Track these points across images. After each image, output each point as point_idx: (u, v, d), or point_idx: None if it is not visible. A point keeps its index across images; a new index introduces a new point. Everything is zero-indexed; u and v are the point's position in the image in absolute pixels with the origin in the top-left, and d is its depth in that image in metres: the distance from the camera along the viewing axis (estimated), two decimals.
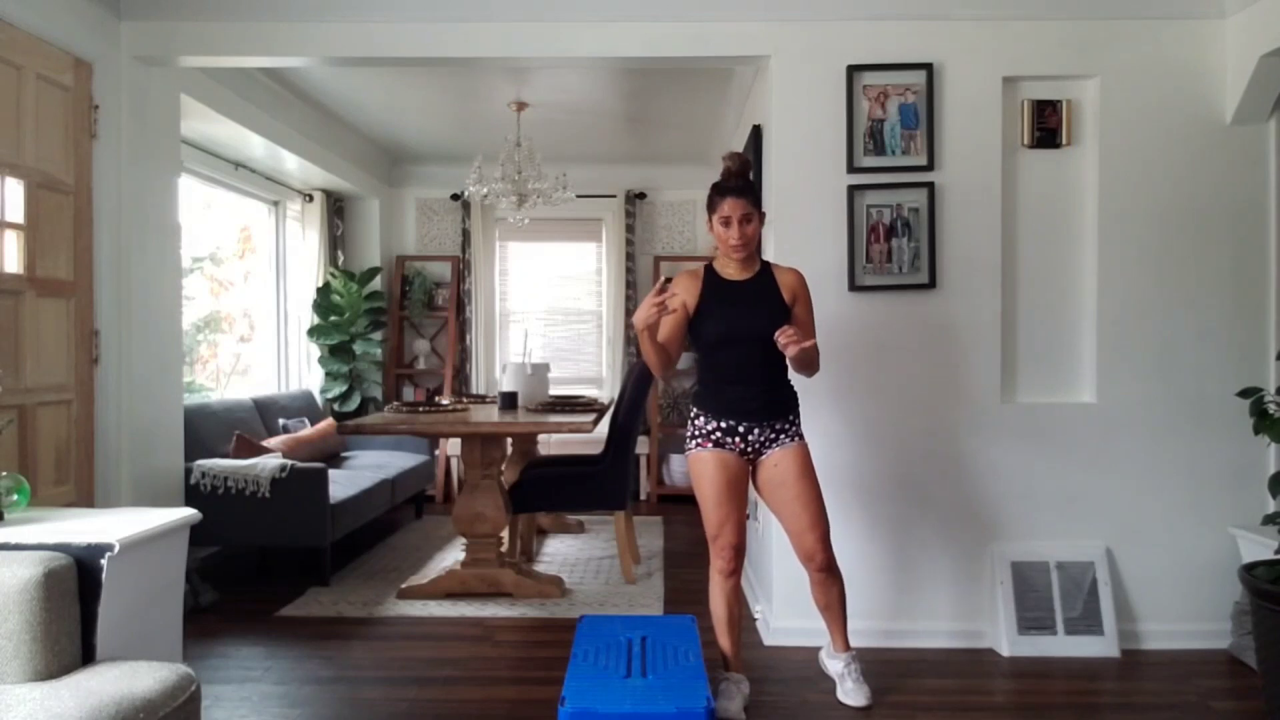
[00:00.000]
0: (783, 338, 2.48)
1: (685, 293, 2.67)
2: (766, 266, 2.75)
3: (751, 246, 2.67)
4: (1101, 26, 3.30)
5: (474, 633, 3.48)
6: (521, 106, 5.04)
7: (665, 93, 4.88)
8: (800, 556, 2.73)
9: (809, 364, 2.66)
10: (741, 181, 2.67)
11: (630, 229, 6.59)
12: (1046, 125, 3.34)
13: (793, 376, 2.75)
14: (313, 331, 5.92)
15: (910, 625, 3.32)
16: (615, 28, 3.36)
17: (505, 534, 4.18)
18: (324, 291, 5.95)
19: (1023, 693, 2.90)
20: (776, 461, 2.69)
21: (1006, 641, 3.21)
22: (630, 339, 6.55)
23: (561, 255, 6.86)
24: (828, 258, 3.30)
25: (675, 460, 6.34)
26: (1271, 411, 2.81)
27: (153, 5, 3.37)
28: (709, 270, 2.75)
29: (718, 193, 2.66)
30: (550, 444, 5.81)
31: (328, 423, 5.29)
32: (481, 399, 5.13)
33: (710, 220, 2.70)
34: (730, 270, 2.72)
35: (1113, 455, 3.32)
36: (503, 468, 4.18)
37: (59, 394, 3.05)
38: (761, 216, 2.69)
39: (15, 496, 2.18)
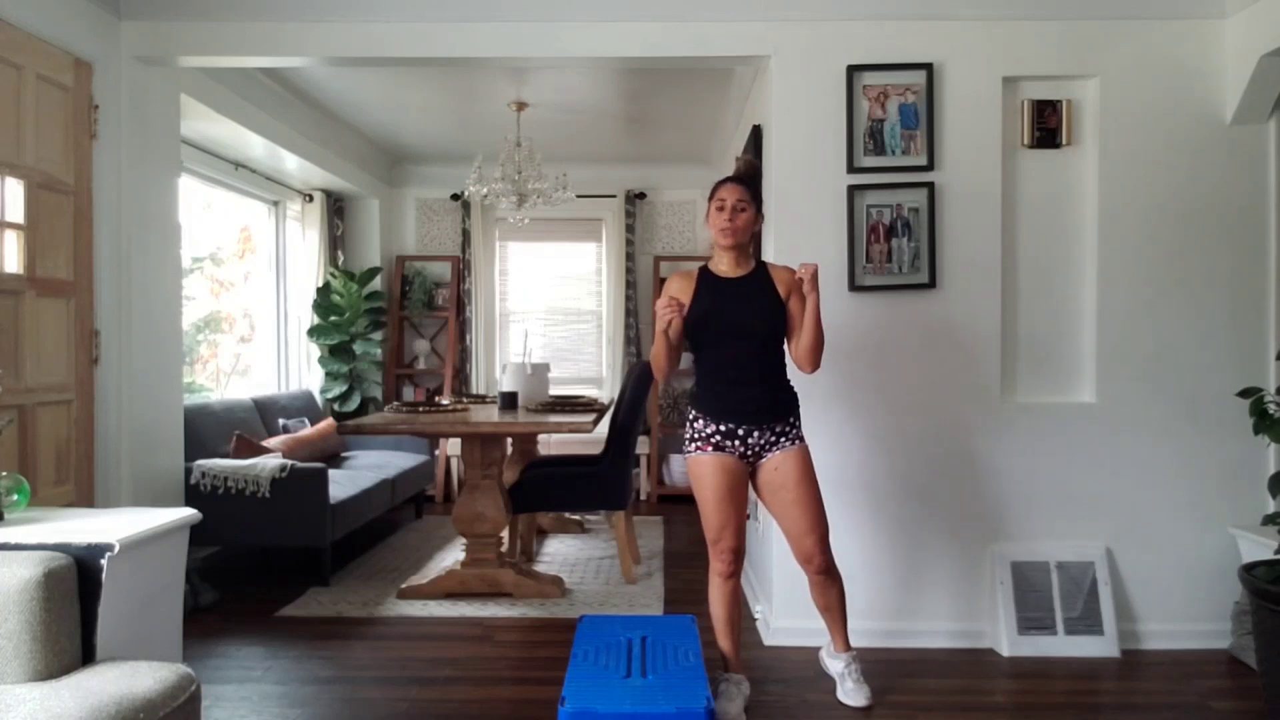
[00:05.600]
0: (804, 271, 2.55)
1: (680, 293, 2.66)
2: (762, 265, 2.75)
3: (741, 237, 2.67)
4: (1101, 26, 3.30)
5: (474, 633, 3.48)
6: (521, 106, 5.04)
7: (665, 93, 4.88)
8: (799, 559, 2.73)
9: (816, 340, 2.64)
10: (745, 176, 2.70)
11: (630, 229, 6.59)
12: (1046, 125, 3.34)
13: (792, 376, 2.75)
14: (313, 331, 5.92)
15: (910, 625, 3.32)
16: (615, 28, 3.36)
17: (505, 534, 4.19)
18: (324, 291, 5.95)
19: (1023, 693, 2.90)
20: (777, 465, 2.68)
21: (1006, 641, 3.21)
22: (630, 339, 6.56)
23: (561, 255, 6.86)
24: (828, 258, 3.29)
25: (675, 460, 6.34)
26: (1271, 411, 2.81)
27: (153, 5, 3.37)
28: (704, 270, 2.75)
29: (719, 181, 2.72)
30: (550, 444, 5.81)
31: (328, 423, 5.29)
32: (481, 399, 5.13)
33: (709, 209, 2.72)
34: (725, 268, 2.72)
35: (1112, 455, 3.32)
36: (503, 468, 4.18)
37: (59, 394, 3.05)
38: (759, 215, 2.70)
39: (15, 496, 2.18)
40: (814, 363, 2.68)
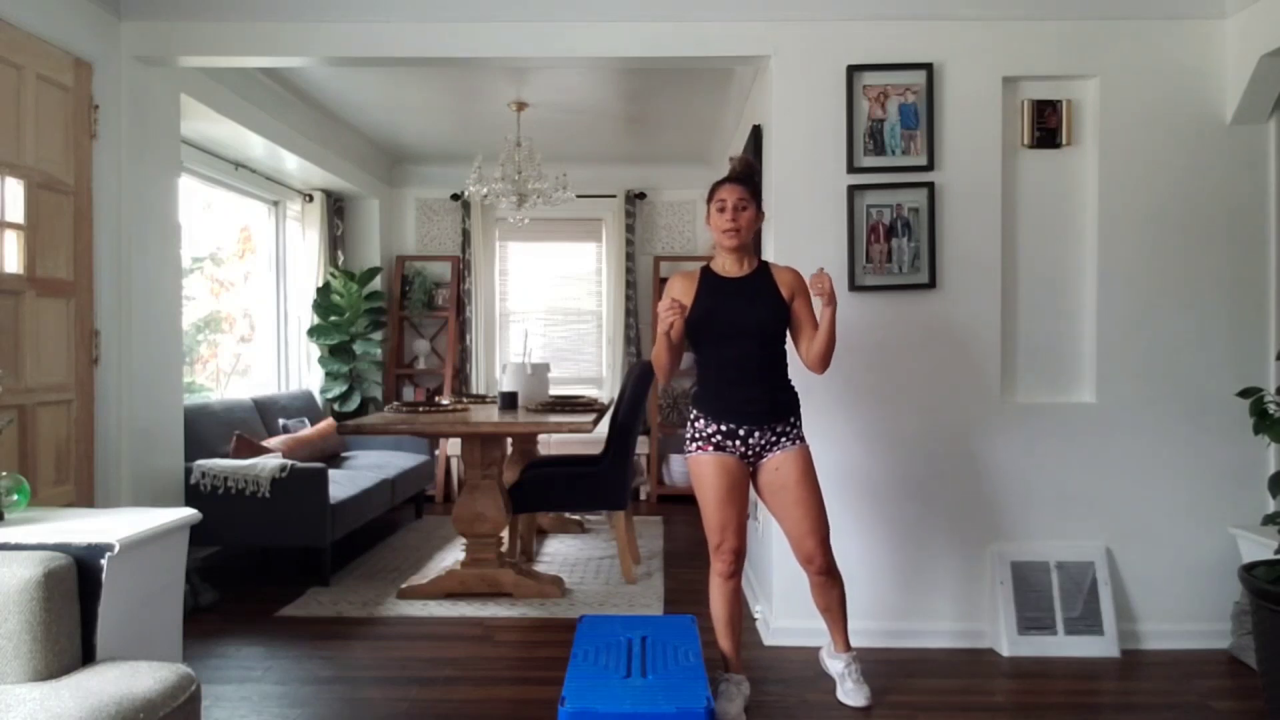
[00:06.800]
0: (819, 281, 2.52)
1: (682, 294, 2.66)
2: (764, 265, 2.75)
3: (744, 236, 2.67)
4: (1101, 26, 3.30)
5: (474, 633, 3.48)
6: (521, 106, 5.04)
7: (665, 93, 4.88)
8: (800, 560, 2.73)
9: (829, 347, 2.63)
10: (743, 175, 2.71)
11: (630, 229, 6.59)
12: (1046, 125, 3.34)
13: (794, 376, 2.75)
14: (313, 331, 5.92)
15: (910, 625, 3.32)
16: (615, 28, 3.36)
17: (505, 534, 4.18)
18: (324, 291, 5.95)
19: (1023, 693, 2.90)
20: (778, 465, 2.68)
21: (1006, 641, 3.21)
22: (630, 339, 6.56)
23: (561, 255, 6.86)
24: (828, 258, 3.29)
25: (675, 460, 6.34)
26: (1271, 411, 2.81)
27: (153, 5, 3.37)
28: (705, 270, 2.75)
29: (718, 182, 2.71)
30: (550, 444, 5.81)
31: (328, 423, 5.29)
32: (481, 399, 5.13)
33: (709, 211, 2.71)
34: (727, 268, 2.72)
35: (1112, 455, 3.32)
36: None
37: (59, 394, 3.05)
38: (760, 213, 2.70)
39: (15, 496, 2.18)
40: (824, 365, 2.69)
